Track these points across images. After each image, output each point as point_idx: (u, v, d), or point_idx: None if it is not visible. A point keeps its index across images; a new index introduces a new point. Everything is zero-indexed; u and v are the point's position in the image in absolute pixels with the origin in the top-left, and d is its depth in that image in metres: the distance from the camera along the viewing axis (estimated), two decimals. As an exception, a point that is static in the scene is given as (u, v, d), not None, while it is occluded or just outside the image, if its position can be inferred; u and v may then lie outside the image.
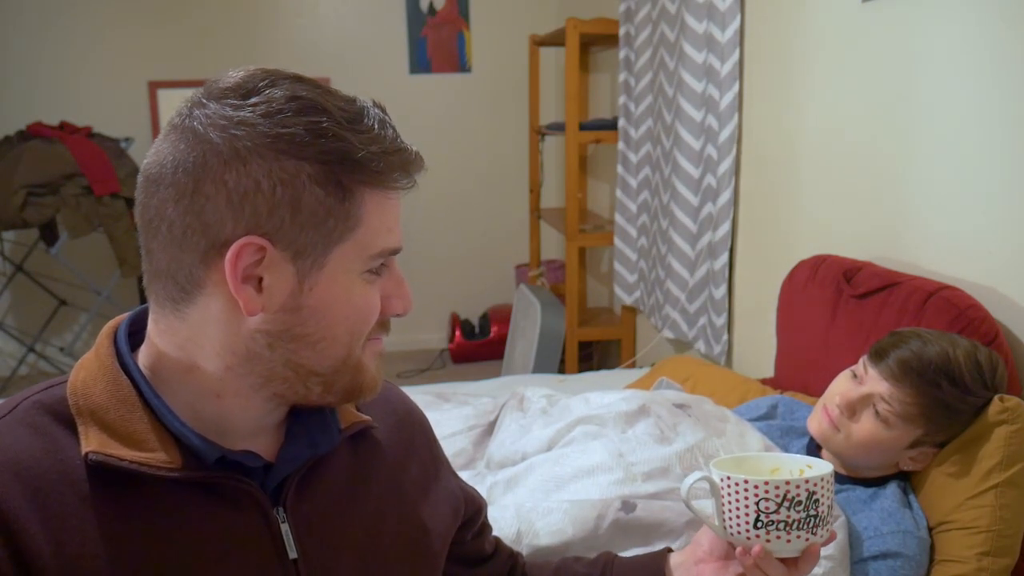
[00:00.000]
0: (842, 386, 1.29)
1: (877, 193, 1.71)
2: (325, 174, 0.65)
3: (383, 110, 0.70)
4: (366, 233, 0.68)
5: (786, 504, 0.81)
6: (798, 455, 0.92)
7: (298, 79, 0.67)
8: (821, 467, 0.87)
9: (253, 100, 0.65)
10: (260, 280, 0.66)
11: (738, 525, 0.84)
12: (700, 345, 2.45)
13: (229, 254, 0.64)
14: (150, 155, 0.68)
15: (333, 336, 0.69)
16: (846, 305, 1.61)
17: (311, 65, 3.97)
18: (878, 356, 1.25)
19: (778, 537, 0.82)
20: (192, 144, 0.65)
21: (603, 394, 1.45)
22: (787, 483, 0.81)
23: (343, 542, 0.75)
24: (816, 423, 1.30)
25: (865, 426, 1.24)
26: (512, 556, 1.01)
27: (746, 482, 0.82)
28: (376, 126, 0.68)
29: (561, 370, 3.28)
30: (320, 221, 0.66)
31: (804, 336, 1.74)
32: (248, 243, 0.65)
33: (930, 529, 1.23)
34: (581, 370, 3.21)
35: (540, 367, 3.27)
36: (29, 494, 0.63)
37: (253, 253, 0.65)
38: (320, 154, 0.65)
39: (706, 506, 0.92)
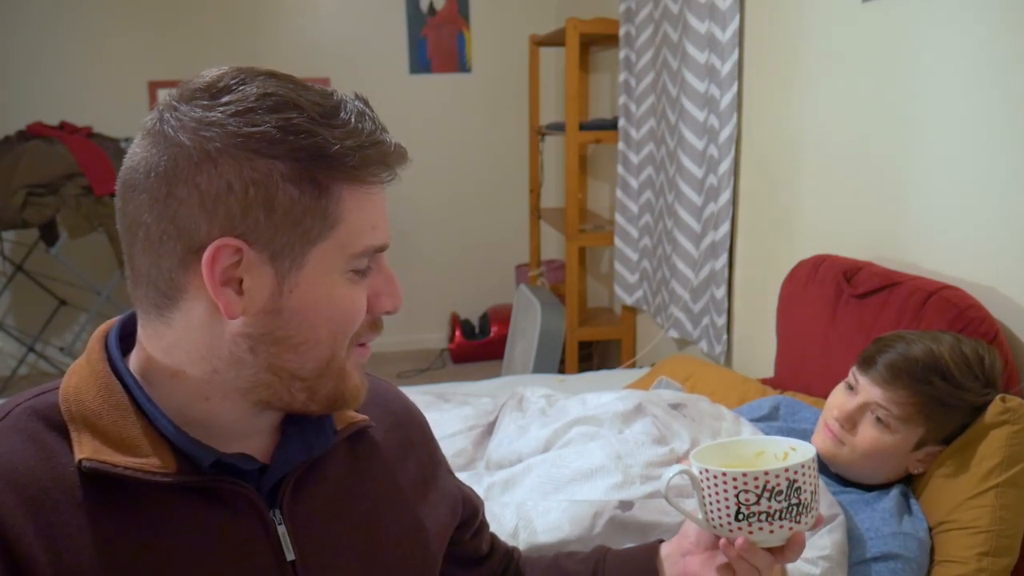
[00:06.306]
0: (838, 399, 1.29)
1: (877, 193, 1.70)
2: (299, 172, 0.64)
3: (365, 103, 0.68)
4: (347, 231, 0.66)
5: (766, 495, 0.79)
6: (783, 438, 0.89)
7: (271, 75, 0.66)
8: (804, 451, 0.84)
9: (224, 99, 0.64)
10: (240, 282, 0.65)
11: (720, 518, 0.82)
12: (703, 344, 2.45)
13: (205, 256, 0.63)
14: (126, 161, 0.67)
15: (316, 338, 0.68)
16: (846, 305, 1.60)
17: (311, 65, 3.97)
18: (866, 364, 1.25)
19: (760, 528, 0.80)
20: (163, 148, 0.64)
21: (599, 394, 1.45)
22: (766, 473, 0.79)
23: (341, 543, 0.75)
24: (820, 440, 1.30)
25: (867, 434, 1.24)
26: (508, 553, 1.01)
27: (724, 474, 0.80)
28: (353, 119, 0.65)
29: (561, 370, 3.27)
30: (296, 221, 0.64)
31: (804, 336, 1.74)
32: (224, 245, 0.63)
33: (930, 530, 1.23)
34: (581, 370, 3.20)
35: (540, 367, 3.26)
36: (23, 502, 0.62)
37: (230, 255, 0.64)
38: (292, 151, 0.63)
39: (688, 500, 0.90)
